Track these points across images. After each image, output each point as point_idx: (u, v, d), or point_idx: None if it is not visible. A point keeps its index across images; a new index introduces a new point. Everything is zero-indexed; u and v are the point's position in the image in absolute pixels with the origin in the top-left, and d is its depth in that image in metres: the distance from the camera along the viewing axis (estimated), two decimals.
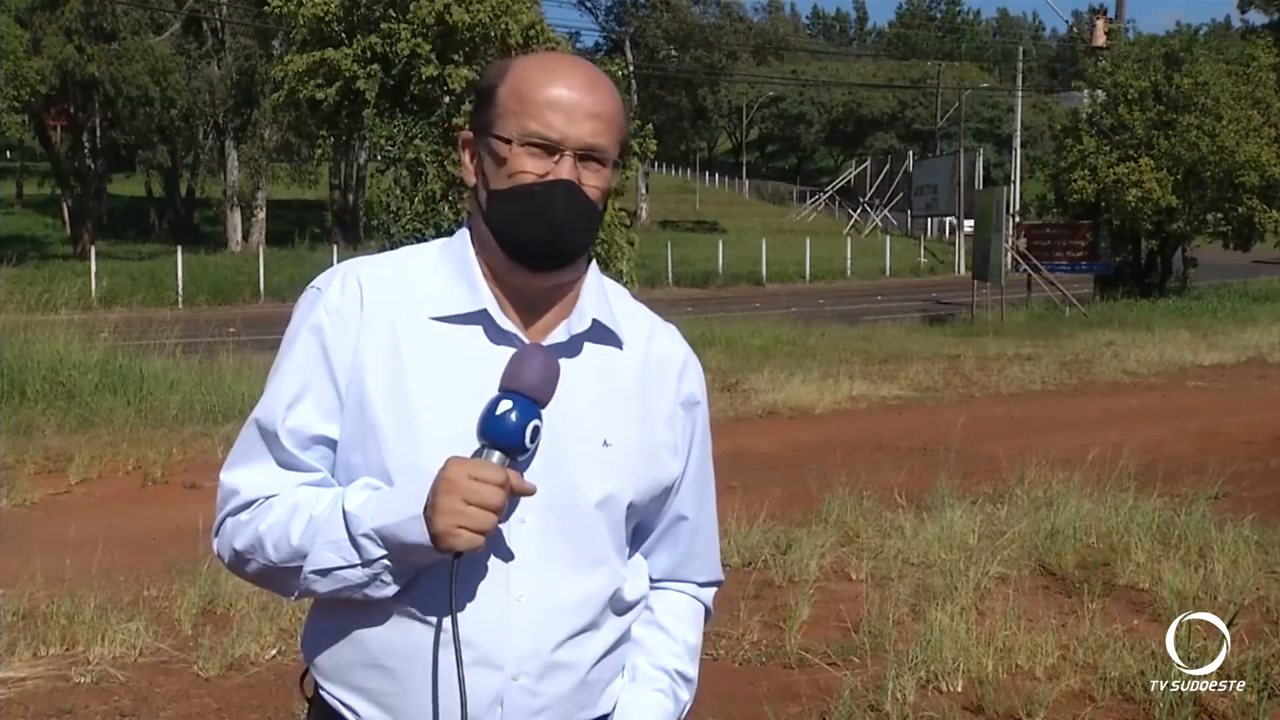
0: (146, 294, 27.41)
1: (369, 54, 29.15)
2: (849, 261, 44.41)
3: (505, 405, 1.45)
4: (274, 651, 4.74)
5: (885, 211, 60.21)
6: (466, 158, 1.61)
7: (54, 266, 30.84)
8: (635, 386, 1.62)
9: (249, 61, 40.88)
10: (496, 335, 1.55)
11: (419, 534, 1.43)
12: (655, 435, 1.63)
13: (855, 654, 4.68)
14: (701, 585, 1.79)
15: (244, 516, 1.56)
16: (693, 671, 1.74)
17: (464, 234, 1.62)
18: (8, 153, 57.62)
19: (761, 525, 6.34)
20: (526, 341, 1.55)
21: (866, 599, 5.19)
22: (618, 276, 18.37)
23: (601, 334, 1.61)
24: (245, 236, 41.38)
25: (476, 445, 1.46)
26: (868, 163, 67.67)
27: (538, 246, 1.52)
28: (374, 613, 1.52)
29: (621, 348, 1.62)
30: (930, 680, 4.38)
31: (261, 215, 41.91)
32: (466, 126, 1.63)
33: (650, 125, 25.97)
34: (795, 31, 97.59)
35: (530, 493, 1.47)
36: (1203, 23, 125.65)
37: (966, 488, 7.44)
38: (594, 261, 1.65)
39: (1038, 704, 4.11)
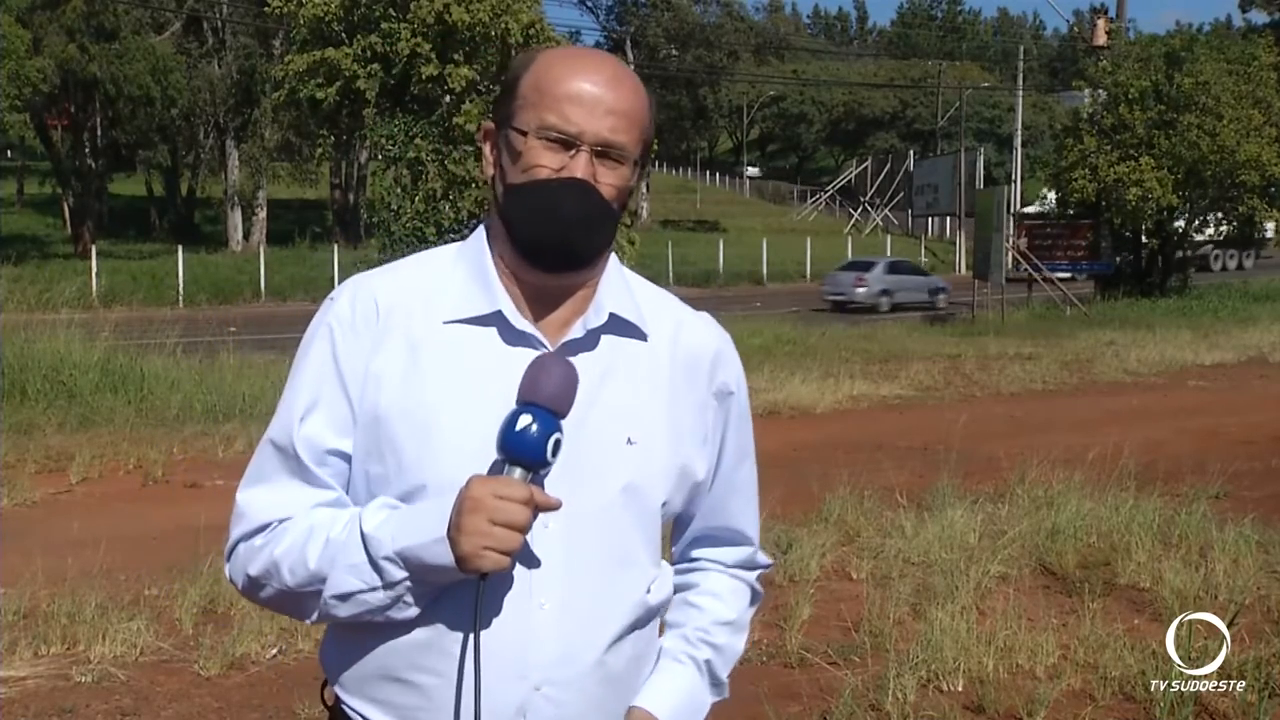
0: (147, 293, 27.44)
1: (369, 53, 29.14)
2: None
3: (525, 420, 1.39)
4: (275, 651, 4.74)
5: (886, 211, 60.25)
6: (487, 149, 1.57)
7: (54, 266, 30.83)
8: (662, 380, 1.57)
9: (249, 61, 40.89)
10: (512, 336, 1.50)
11: (443, 556, 1.39)
12: (684, 428, 1.58)
13: (856, 653, 4.68)
14: (741, 567, 1.76)
15: (257, 541, 1.52)
16: (726, 640, 1.70)
17: (480, 233, 1.59)
18: (9, 152, 57.63)
19: (762, 524, 6.33)
20: (543, 340, 1.51)
21: (867, 598, 5.19)
22: None
23: (622, 327, 1.55)
24: (246, 236, 41.40)
25: (495, 454, 1.41)
26: (868, 162, 67.69)
27: (549, 246, 1.48)
28: (398, 627, 1.48)
29: (645, 339, 1.57)
30: (931, 680, 4.38)
31: (262, 214, 41.92)
32: (488, 117, 1.59)
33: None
34: (796, 31, 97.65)
35: (555, 507, 1.42)
36: (1204, 22, 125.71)
37: (967, 487, 7.44)
38: (613, 254, 1.61)
39: (1038, 703, 4.11)
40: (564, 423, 1.43)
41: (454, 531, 1.38)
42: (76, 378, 10.83)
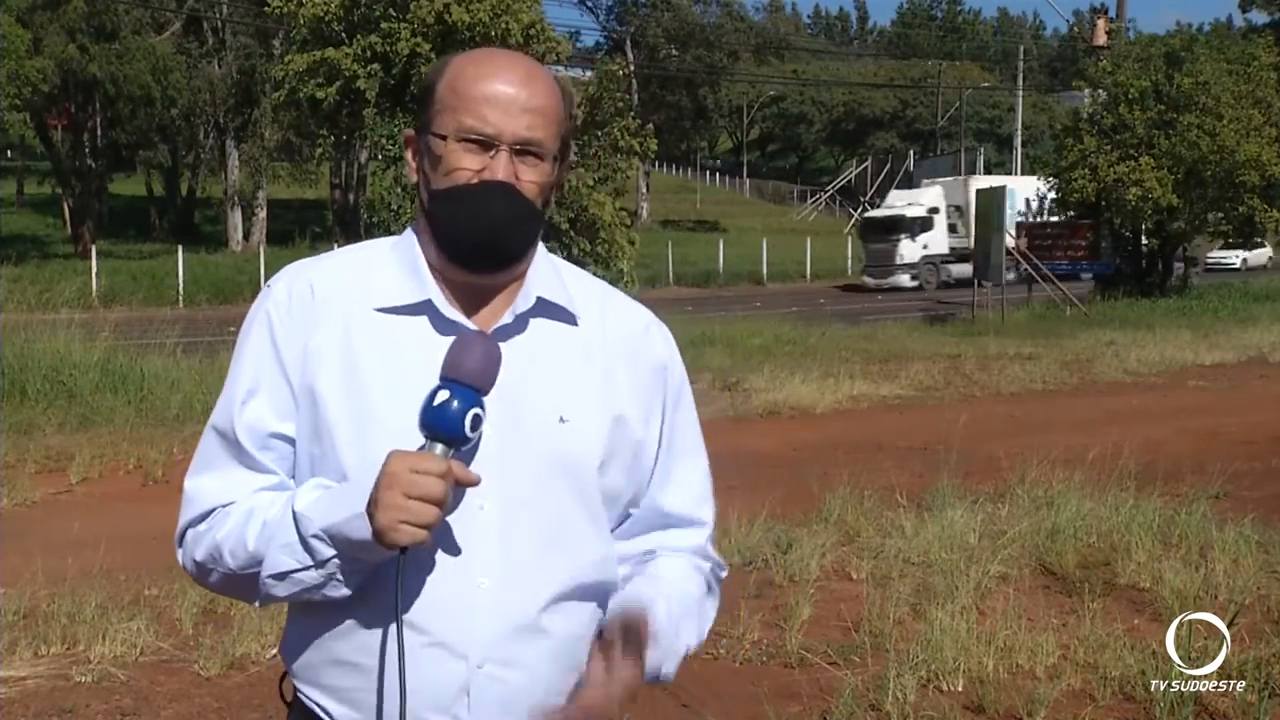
0: (147, 293, 27.43)
1: (369, 53, 29.16)
2: (850, 261, 44.41)
3: (443, 395, 1.42)
4: (274, 651, 4.74)
5: None
6: (409, 155, 1.61)
7: (55, 266, 30.82)
8: (595, 359, 1.60)
9: (249, 61, 40.88)
10: (443, 325, 1.54)
11: (363, 530, 1.41)
12: (620, 405, 1.59)
13: (856, 653, 4.68)
14: (694, 554, 1.70)
15: (202, 527, 1.55)
16: (681, 592, 1.63)
17: (411, 231, 1.63)
18: (9, 152, 57.60)
19: (762, 525, 6.34)
20: (473, 329, 1.53)
21: (867, 598, 5.19)
22: (618, 276, 18.36)
23: (550, 310, 1.59)
24: (246, 236, 41.37)
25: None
26: (868, 162, 67.67)
27: (473, 248, 1.52)
28: (343, 612, 1.51)
29: (575, 323, 1.60)
30: (931, 680, 4.38)
31: (262, 214, 41.90)
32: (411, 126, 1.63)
33: (651, 125, 25.98)
34: (796, 31, 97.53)
35: (474, 483, 1.44)
36: (1204, 22, 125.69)
37: (967, 487, 7.43)
38: (541, 245, 1.63)
39: (1038, 703, 4.11)
40: (496, 406, 1.46)
41: (372, 506, 1.40)
42: (76, 378, 10.83)
